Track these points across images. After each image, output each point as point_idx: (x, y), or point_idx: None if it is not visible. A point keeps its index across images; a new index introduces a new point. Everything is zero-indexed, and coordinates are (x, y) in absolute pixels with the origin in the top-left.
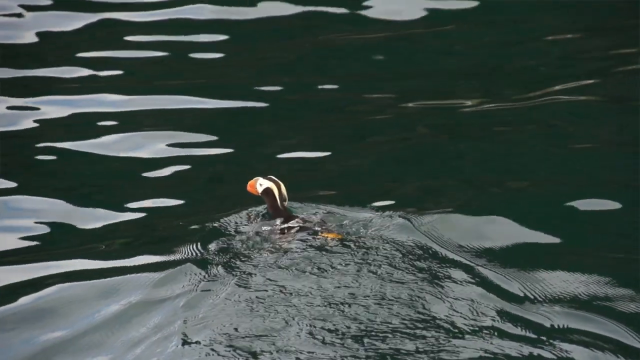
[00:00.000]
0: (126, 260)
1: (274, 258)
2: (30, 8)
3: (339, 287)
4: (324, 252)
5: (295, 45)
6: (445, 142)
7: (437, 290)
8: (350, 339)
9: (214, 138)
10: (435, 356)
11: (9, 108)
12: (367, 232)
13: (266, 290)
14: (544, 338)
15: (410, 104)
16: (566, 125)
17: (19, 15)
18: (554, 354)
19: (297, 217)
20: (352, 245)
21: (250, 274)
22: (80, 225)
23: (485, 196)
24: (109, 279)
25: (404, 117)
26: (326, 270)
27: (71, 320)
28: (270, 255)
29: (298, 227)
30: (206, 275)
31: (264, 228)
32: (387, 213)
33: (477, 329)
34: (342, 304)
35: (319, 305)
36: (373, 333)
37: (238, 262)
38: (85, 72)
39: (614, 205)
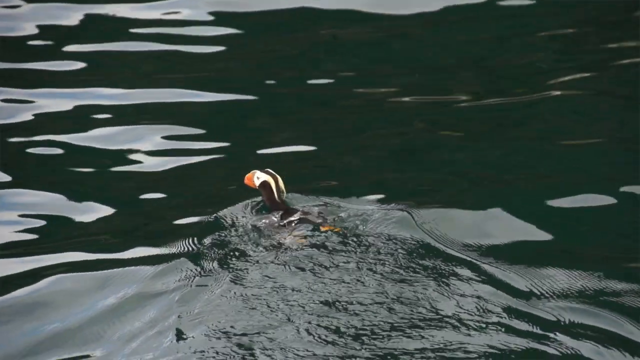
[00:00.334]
0: (122, 253)
1: (272, 253)
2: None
3: (339, 283)
4: (323, 248)
5: (294, 40)
6: (442, 137)
7: (438, 286)
8: (349, 337)
9: (212, 131)
10: (440, 352)
11: (5, 101)
12: (367, 227)
13: (263, 286)
14: (549, 333)
15: (407, 99)
16: (565, 120)
17: (17, 6)
18: (559, 349)
19: (296, 209)
20: (352, 241)
21: (247, 269)
22: (75, 218)
23: (484, 191)
24: (104, 272)
25: (402, 111)
26: (326, 266)
27: (67, 313)
28: (268, 250)
29: (298, 220)
30: (203, 270)
31: (262, 221)
32: (385, 206)
33: (481, 324)
34: (342, 301)
35: (318, 302)
36: (373, 330)
37: (235, 257)
38: (81, 65)
39: (614, 201)
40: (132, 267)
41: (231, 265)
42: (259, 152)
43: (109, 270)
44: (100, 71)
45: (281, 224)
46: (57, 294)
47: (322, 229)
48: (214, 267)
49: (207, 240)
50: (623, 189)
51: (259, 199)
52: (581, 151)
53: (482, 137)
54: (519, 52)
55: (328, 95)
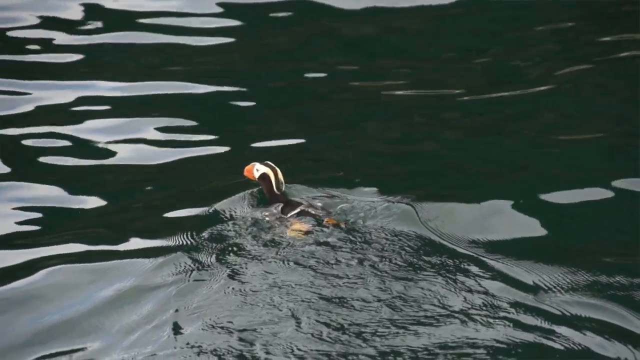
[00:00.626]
0: (120, 246)
1: (272, 247)
2: None
3: (341, 278)
4: (325, 242)
5: (292, 33)
6: (441, 131)
7: (442, 281)
8: (351, 333)
9: (210, 124)
10: (446, 347)
11: (3, 92)
12: (369, 220)
13: (263, 281)
14: (555, 328)
15: (406, 92)
16: (565, 114)
17: None
18: (565, 344)
19: (297, 202)
20: (354, 235)
21: (246, 263)
22: (73, 211)
23: (485, 185)
24: (102, 264)
25: (400, 104)
26: (328, 261)
27: (64, 305)
28: (268, 243)
29: (299, 212)
30: (201, 264)
31: (262, 214)
32: (386, 198)
33: (486, 318)
34: (344, 296)
35: (319, 297)
36: (375, 326)
37: (234, 251)
38: (80, 56)
39: (616, 195)
40: (130, 260)
41: (230, 259)
42: (258, 144)
43: (107, 263)
44: (99, 63)
45: (281, 216)
46: (54, 286)
47: (325, 222)
48: (212, 261)
49: (205, 234)
50: (625, 182)
51: (257, 189)
52: (581, 145)
53: (481, 130)
54: (518, 46)
55: (326, 88)
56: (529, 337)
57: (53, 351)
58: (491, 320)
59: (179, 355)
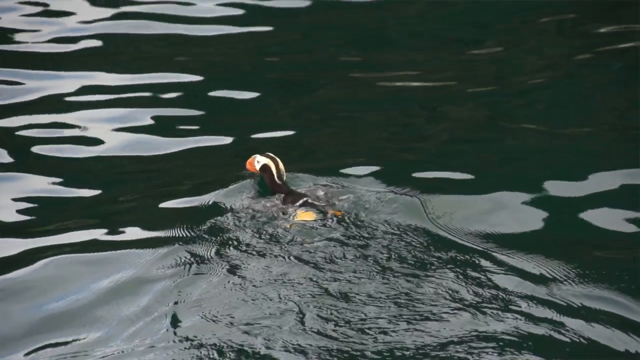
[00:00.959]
0: (120, 237)
1: (274, 238)
2: None
3: (346, 271)
4: (330, 235)
5: (297, 23)
6: (443, 122)
7: (448, 274)
8: (354, 328)
9: (211, 114)
10: (456, 340)
11: (4, 82)
12: (373, 212)
13: (264, 273)
14: (565, 320)
15: (404, 83)
16: (566, 106)
17: None
18: (574, 337)
19: (299, 193)
20: (359, 227)
21: (247, 255)
22: (71, 201)
23: (489, 178)
24: (101, 255)
25: (397, 94)
26: (331, 253)
27: (63, 296)
28: (270, 235)
29: (303, 201)
30: (201, 255)
31: (263, 205)
32: (389, 189)
33: (494, 311)
34: (349, 291)
35: (321, 291)
36: (379, 321)
37: (235, 243)
38: (83, 46)
39: (621, 187)
40: (130, 251)
41: (230, 252)
42: (260, 135)
43: (106, 253)
44: (101, 52)
45: (284, 207)
46: (53, 277)
47: (330, 213)
48: (212, 253)
49: (206, 225)
50: (628, 174)
51: (258, 179)
52: (584, 137)
53: (484, 121)
54: (519, 37)
55: (328, 78)
56: (539, 330)
57: (52, 342)
58: (500, 313)
59: (177, 348)
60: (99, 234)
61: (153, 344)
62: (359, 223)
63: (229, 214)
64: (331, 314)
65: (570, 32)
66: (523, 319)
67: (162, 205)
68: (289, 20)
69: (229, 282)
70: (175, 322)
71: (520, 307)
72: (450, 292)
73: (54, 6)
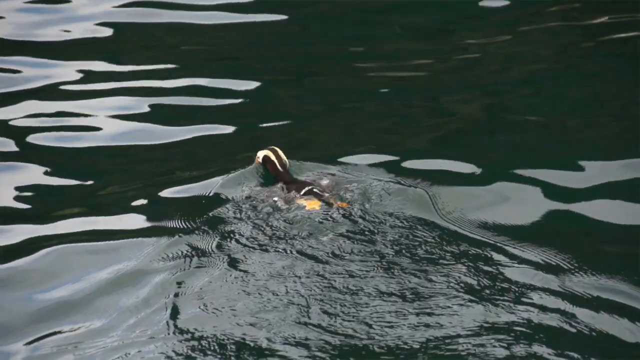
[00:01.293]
0: (120, 227)
1: (277, 231)
2: None
3: (351, 264)
4: (335, 226)
5: (298, 12)
6: (445, 115)
7: (455, 266)
8: (360, 322)
9: (213, 104)
10: (466, 331)
11: (6, 70)
12: (378, 202)
13: (267, 266)
14: (576, 312)
15: (406, 73)
16: (566, 98)
17: None
18: (584, 328)
19: (304, 182)
20: (365, 219)
21: (250, 247)
22: (73, 191)
23: (489, 167)
24: (100, 246)
25: (399, 84)
26: (338, 246)
27: (62, 286)
28: (274, 227)
29: (308, 190)
30: (203, 247)
31: (266, 195)
32: (394, 178)
33: (507, 303)
34: (354, 283)
35: (324, 284)
36: (382, 317)
37: (237, 234)
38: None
39: (629, 177)
40: (130, 240)
41: (232, 243)
42: (262, 124)
43: (105, 243)
44: (105, 40)
45: (287, 196)
46: (52, 267)
47: (337, 205)
48: (214, 244)
49: (207, 216)
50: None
51: (256, 167)
52: (587, 127)
53: (486, 113)
54: (521, 30)
55: (324, 68)
56: (551, 321)
57: (52, 331)
58: (512, 305)
59: (178, 340)
60: (100, 223)
61: (153, 335)
62: (364, 214)
63: (230, 205)
64: (336, 307)
65: (573, 21)
66: (534, 310)
67: (164, 195)
68: (293, 10)
69: (230, 274)
70: (176, 313)
71: (531, 299)
72: (458, 284)
73: None
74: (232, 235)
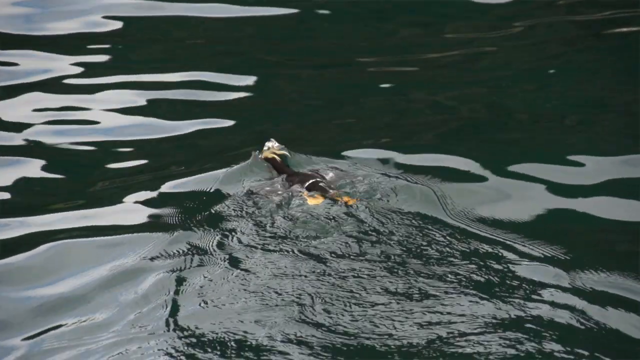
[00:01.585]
0: (120, 223)
1: (280, 227)
2: None
3: (355, 261)
4: (340, 223)
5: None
6: (447, 111)
7: (462, 263)
8: (365, 322)
9: (214, 98)
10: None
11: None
12: (382, 197)
13: (269, 262)
14: (586, 309)
15: (408, 68)
16: (569, 93)
17: None
18: (594, 325)
19: (307, 174)
20: (370, 215)
21: (252, 243)
22: (75, 185)
23: (492, 164)
24: (101, 241)
25: (401, 79)
26: (343, 243)
27: (62, 281)
28: (275, 222)
29: (312, 183)
30: (204, 243)
31: (268, 190)
32: (399, 174)
33: (518, 300)
34: (357, 281)
35: (331, 283)
36: (388, 316)
37: (239, 230)
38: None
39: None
40: (131, 236)
41: (233, 240)
42: (264, 118)
43: (107, 238)
44: (107, 34)
45: (288, 189)
46: (53, 262)
47: (345, 201)
48: (215, 241)
49: (209, 211)
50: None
51: (255, 154)
52: (589, 123)
53: (485, 109)
54: (523, 25)
55: (331, 62)
56: (561, 319)
57: (51, 326)
58: (522, 302)
59: (178, 336)
60: (99, 218)
61: (153, 331)
62: (370, 211)
63: (231, 200)
64: (340, 305)
65: (574, 16)
66: (544, 307)
67: (165, 189)
68: (296, 4)
69: (231, 271)
70: (176, 310)
71: (541, 296)
72: (467, 281)
73: None
74: (232, 231)
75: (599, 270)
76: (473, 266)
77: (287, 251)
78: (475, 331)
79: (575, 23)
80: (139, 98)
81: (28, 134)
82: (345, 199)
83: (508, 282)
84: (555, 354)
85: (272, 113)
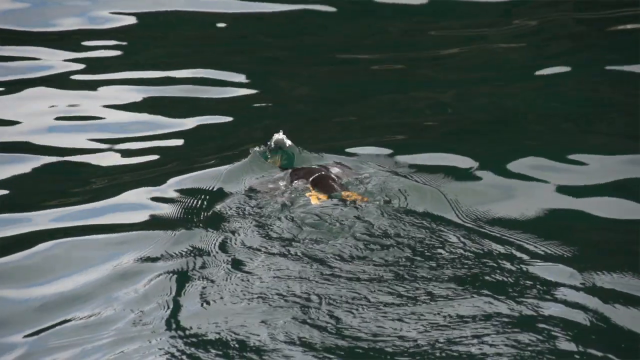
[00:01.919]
0: (121, 220)
1: (284, 225)
2: None
3: (361, 261)
4: (344, 221)
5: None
6: (449, 109)
7: (472, 263)
8: (370, 325)
9: (216, 95)
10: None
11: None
12: (392, 196)
13: (274, 262)
14: (600, 308)
15: (409, 65)
16: (568, 90)
17: None
18: (602, 322)
19: (314, 169)
20: (377, 214)
21: (256, 242)
22: (74, 183)
23: (494, 163)
24: (104, 238)
25: (405, 77)
26: (348, 243)
27: (65, 278)
28: (280, 221)
29: (315, 177)
30: (207, 242)
31: (272, 187)
32: (406, 172)
33: (531, 299)
34: (363, 284)
35: (336, 284)
36: (398, 318)
37: (243, 227)
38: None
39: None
40: (133, 233)
41: (237, 238)
42: (267, 115)
43: (109, 236)
44: (112, 30)
45: (292, 185)
46: (54, 259)
47: (350, 198)
48: (219, 240)
49: (212, 209)
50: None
51: (257, 149)
52: (590, 122)
53: (489, 104)
54: (528, 23)
55: (330, 59)
56: (576, 318)
57: (52, 323)
58: (536, 302)
59: (181, 335)
60: (100, 217)
61: (155, 330)
62: (378, 210)
63: (234, 197)
64: (347, 307)
65: (575, 13)
66: (558, 307)
67: (167, 187)
68: (298, 1)
69: (233, 272)
70: (178, 309)
71: (554, 296)
72: (476, 281)
73: None
74: (235, 230)
75: (611, 270)
76: (483, 267)
77: (291, 252)
78: (487, 332)
79: (578, 21)
80: (140, 95)
81: (28, 130)
82: (353, 196)
83: (520, 282)
84: (569, 354)
85: (274, 110)
